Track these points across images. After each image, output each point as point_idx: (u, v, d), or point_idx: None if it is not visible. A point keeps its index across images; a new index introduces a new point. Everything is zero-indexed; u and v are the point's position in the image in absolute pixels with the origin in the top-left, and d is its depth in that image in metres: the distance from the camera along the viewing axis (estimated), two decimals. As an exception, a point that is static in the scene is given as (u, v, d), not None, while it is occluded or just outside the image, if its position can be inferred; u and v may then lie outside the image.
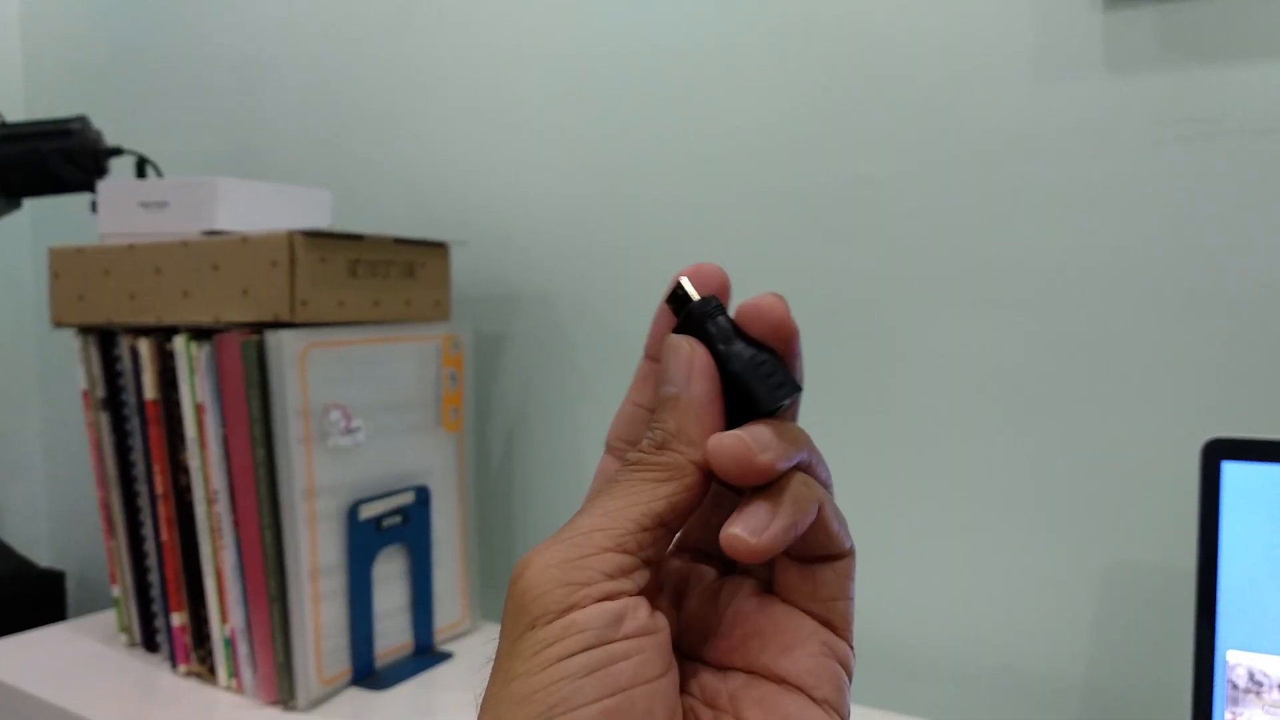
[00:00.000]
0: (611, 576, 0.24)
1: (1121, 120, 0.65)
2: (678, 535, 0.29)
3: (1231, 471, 0.52)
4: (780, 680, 0.26)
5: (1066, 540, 0.68)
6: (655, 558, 0.26)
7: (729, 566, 0.29)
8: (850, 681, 0.27)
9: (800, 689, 0.26)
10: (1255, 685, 0.52)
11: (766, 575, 0.28)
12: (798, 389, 0.28)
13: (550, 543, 0.25)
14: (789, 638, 0.26)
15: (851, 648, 0.27)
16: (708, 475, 0.26)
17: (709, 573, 0.29)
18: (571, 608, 0.24)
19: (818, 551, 0.27)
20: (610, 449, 0.31)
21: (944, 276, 0.72)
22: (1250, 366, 0.62)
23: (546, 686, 0.23)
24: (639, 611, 0.25)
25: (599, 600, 0.24)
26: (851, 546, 0.27)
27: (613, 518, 0.25)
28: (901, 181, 0.73)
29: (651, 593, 0.26)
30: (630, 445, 0.29)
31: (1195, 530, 0.54)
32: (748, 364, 0.27)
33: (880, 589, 0.75)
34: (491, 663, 0.25)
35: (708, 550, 0.30)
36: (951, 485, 0.72)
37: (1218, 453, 0.53)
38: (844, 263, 0.76)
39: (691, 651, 0.28)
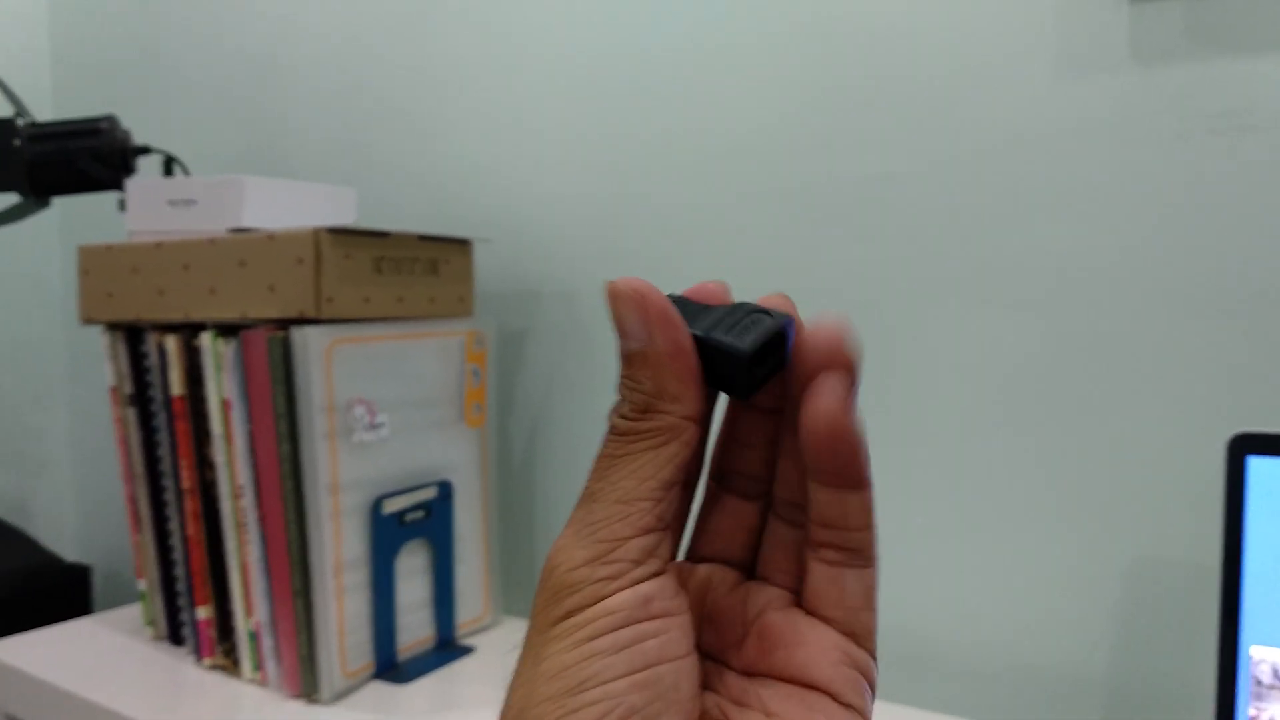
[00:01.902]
0: (639, 562, 0.25)
1: (1147, 114, 0.65)
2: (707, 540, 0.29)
3: (1257, 466, 0.52)
4: (807, 685, 0.26)
5: (1089, 536, 0.68)
6: (675, 517, 0.27)
7: (750, 571, 0.29)
8: (874, 690, 0.27)
9: (827, 693, 0.26)
10: (1279, 681, 0.51)
11: (791, 582, 0.28)
12: (777, 328, 0.26)
13: (574, 538, 0.25)
14: (812, 648, 0.27)
15: (874, 658, 0.27)
16: (701, 422, 0.27)
17: (729, 575, 0.29)
18: (605, 597, 0.24)
19: (855, 535, 0.26)
20: None
21: (964, 272, 0.72)
22: (1276, 360, 0.61)
23: (579, 662, 0.24)
24: (666, 590, 0.25)
25: (630, 586, 0.25)
26: (877, 556, 0.27)
27: (628, 503, 0.25)
28: (921, 177, 0.73)
29: (675, 540, 0.27)
30: None
31: (1219, 526, 0.53)
32: (715, 320, 0.26)
33: (903, 586, 0.75)
34: (519, 649, 0.26)
35: (727, 557, 0.30)
36: (973, 482, 0.72)
37: (1243, 448, 0.52)
38: (862, 260, 0.76)
39: (715, 654, 0.28)
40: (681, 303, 0.27)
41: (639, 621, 0.24)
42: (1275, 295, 0.61)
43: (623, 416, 0.26)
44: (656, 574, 0.25)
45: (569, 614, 0.24)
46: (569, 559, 0.25)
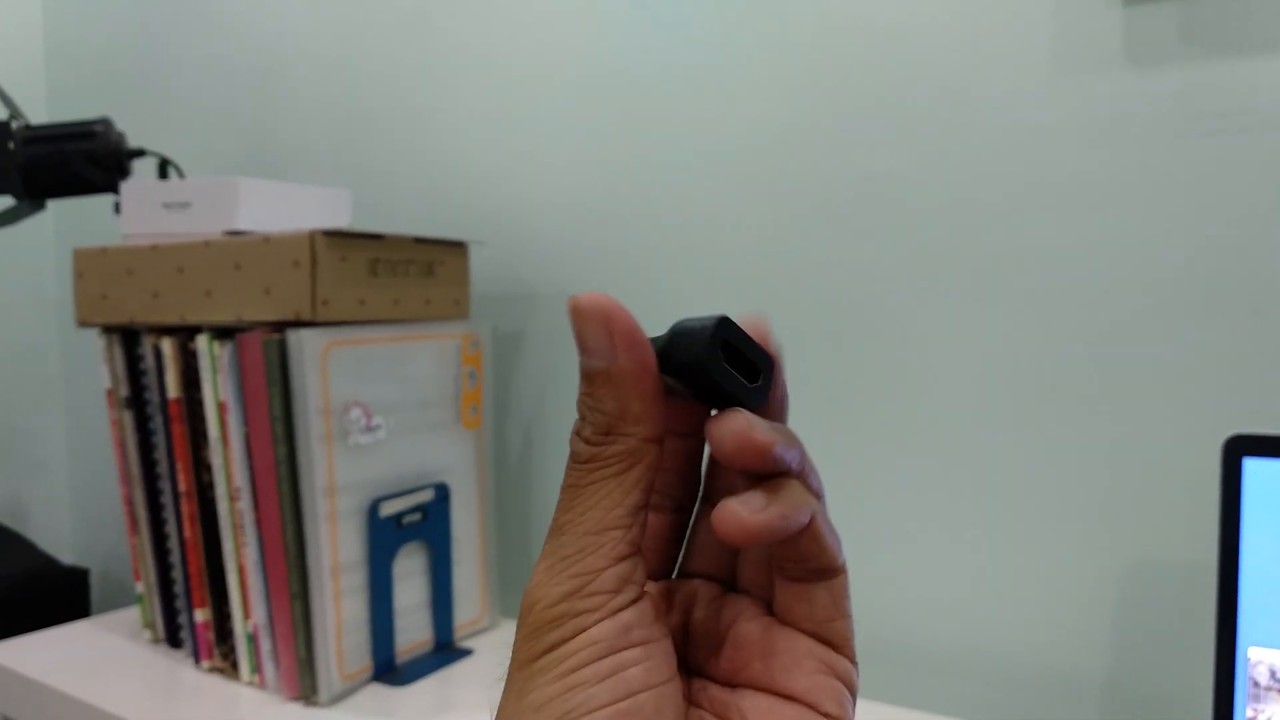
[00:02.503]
0: (617, 591, 0.25)
1: (1142, 114, 0.65)
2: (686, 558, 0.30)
3: (1253, 468, 0.52)
4: (787, 696, 0.26)
5: (1087, 537, 0.68)
6: (644, 537, 0.27)
7: (731, 584, 0.30)
8: (855, 696, 0.27)
9: (806, 704, 0.26)
10: (1277, 682, 0.51)
11: (766, 594, 0.28)
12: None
13: (548, 574, 0.25)
14: (789, 658, 0.27)
15: (854, 663, 0.27)
16: (661, 440, 0.26)
17: (712, 589, 0.29)
18: (586, 629, 0.25)
19: (811, 563, 0.26)
20: None
21: (962, 271, 0.72)
22: (1272, 362, 0.61)
23: (563, 694, 0.24)
24: (645, 616, 0.25)
25: (610, 616, 0.25)
26: (843, 564, 0.27)
27: (599, 534, 0.25)
28: (918, 178, 0.73)
29: (652, 553, 0.28)
30: None
31: (1216, 527, 0.53)
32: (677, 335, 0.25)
33: (899, 585, 0.75)
34: (503, 682, 0.26)
35: (713, 572, 0.30)
36: (970, 481, 0.72)
37: (1239, 449, 0.52)
38: (861, 259, 0.76)
39: (700, 668, 0.28)
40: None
41: (620, 650, 0.24)
42: (1271, 297, 0.61)
43: (585, 440, 0.26)
44: (635, 600, 0.25)
45: (551, 648, 0.24)
46: (546, 596, 0.25)
